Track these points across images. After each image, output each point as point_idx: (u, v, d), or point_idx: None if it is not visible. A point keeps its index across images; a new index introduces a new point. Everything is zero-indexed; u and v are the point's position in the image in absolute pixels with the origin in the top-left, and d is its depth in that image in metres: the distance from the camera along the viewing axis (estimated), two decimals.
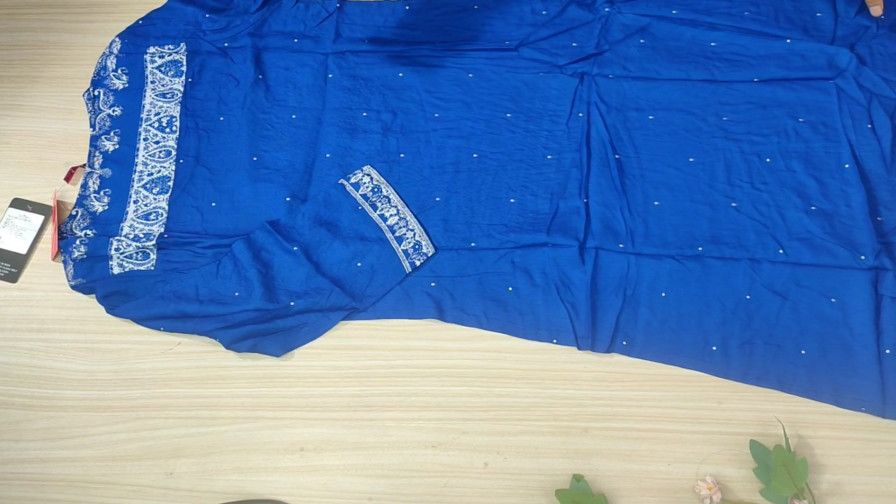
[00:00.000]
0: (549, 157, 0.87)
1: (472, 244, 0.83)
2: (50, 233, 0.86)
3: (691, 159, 0.85)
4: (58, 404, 0.78)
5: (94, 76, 0.93)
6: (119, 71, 0.93)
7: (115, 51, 0.94)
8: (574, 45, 0.92)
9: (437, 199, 0.86)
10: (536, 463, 0.74)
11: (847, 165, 0.83)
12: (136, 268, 0.82)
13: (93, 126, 0.91)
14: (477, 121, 0.89)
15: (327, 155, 0.88)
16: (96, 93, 0.92)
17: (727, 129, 0.87)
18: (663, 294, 0.79)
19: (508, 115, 0.90)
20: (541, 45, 0.92)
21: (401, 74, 0.92)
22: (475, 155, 0.88)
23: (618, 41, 0.92)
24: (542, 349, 0.78)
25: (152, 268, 0.82)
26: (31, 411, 0.78)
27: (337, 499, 0.74)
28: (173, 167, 0.88)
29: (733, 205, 0.83)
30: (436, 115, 0.90)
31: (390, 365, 0.79)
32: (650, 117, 0.88)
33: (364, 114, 0.90)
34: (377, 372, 0.78)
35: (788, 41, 0.89)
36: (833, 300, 0.77)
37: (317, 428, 0.76)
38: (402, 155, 0.88)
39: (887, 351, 0.75)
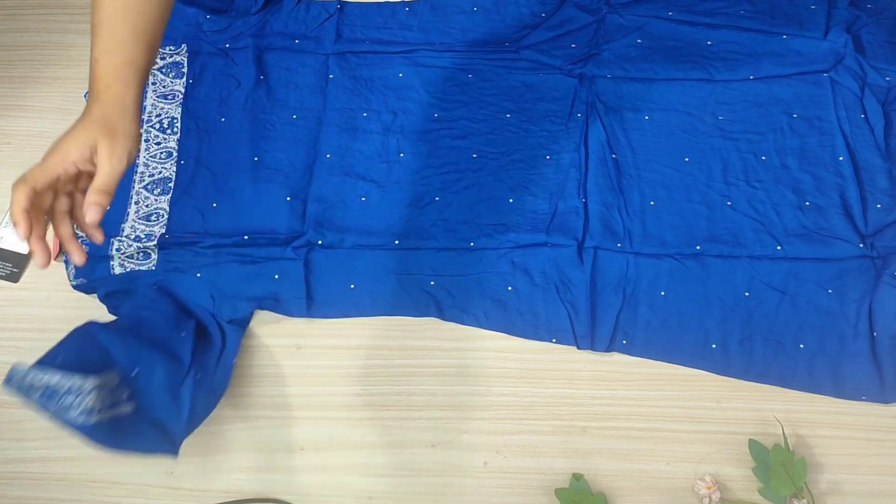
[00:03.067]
0: (548, 157, 0.87)
1: (472, 244, 0.83)
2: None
3: (687, 159, 0.86)
4: None
5: None
6: None
7: None
8: (573, 45, 0.93)
9: (437, 198, 0.86)
10: (536, 462, 0.74)
11: (841, 158, 0.84)
12: (137, 268, 0.82)
13: None
14: (477, 121, 0.90)
15: (328, 155, 0.88)
16: None
17: (724, 129, 0.87)
18: (663, 293, 0.79)
19: (508, 115, 0.90)
20: (540, 46, 0.93)
21: (401, 75, 0.92)
22: (475, 155, 0.88)
23: (616, 42, 0.92)
24: (542, 349, 0.79)
25: (154, 268, 0.82)
26: (31, 411, 0.78)
27: (337, 498, 0.74)
28: (174, 168, 0.88)
29: (729, 203, 0.83)
30: (435, 115, 0.90)
31: (390, 365, 0.79)
32: (646, 118, 0.88)
33: (364, 114, 0.91)
34: (377, 372, 0.79)
35: (784, 37, 0.90)
36: (830, 291, 0.78)
37: (317, 428, 0.77)
38: (402, 155, 0.88)
39: (875, 334, 0.76)
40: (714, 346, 0.77)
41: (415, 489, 0.74)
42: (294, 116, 0.91)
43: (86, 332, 0.68)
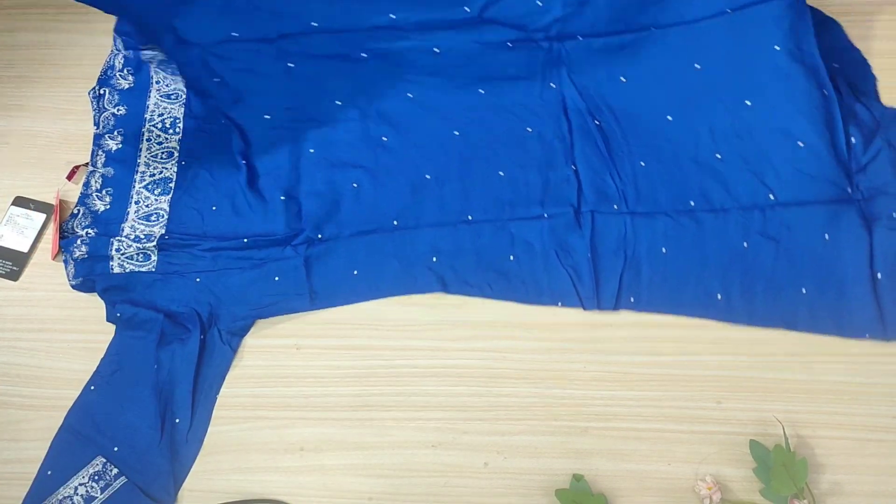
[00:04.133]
0: (528, 129, 0.86)
1: (469, 217, 0.82)
2: (52, 232, 0.86)
3: (670, 117, 0.84)
4: (58, 404, 0.78)
5: (102, 74, 0.93)
6: (125, 71, 0.93)
7: (122, 48, 0.94)
8: (539, 4, 0.85)
9: (428, 177, 0.85)
10: (536, 463, 0.74)
11: (826, 92, 0.80)
12: (136, 269, 0.82)
13: (97, 124, 0.91)
14: (451, 98, 0.87)
15: (311, 150, 0.87)
16: (101, 91, 0.92)
17: (704, 77, 0.82)
18: (663, 250, 0.79)
19: (481, 91, 0.88)
20: (505, 14, 0.85)
21: (364, 55, 0.88)
22: (456, 132, 0.86)
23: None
24: (542, 349, 0.78)
25: (153, 269, 0.82)
26: (31, 411, 0.78)
27: (337, 499, 0.74)
28: (175, 168, 0.88)
29: (718, 156, 0.82)
30: (409, 94, 0.88)
31: (390, 365, 0.79)
32: (623, 79, 0.86)
33: (338, 102, 0.88)
34: (377, 372, 0.78)
35: None
36: (826, 236, 0.78)
37: (317, 428, 0.76)
38: (384, 139, 0.87)
39: (879, 275, 0.76)
40: (719, 296, 0.77)
41: (415, 489, 0.74)
42: (266, 116, 0.88)
43: (65, 429, 0.76)
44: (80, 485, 0.73)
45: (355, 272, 0.82)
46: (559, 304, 0.79)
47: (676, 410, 0.76)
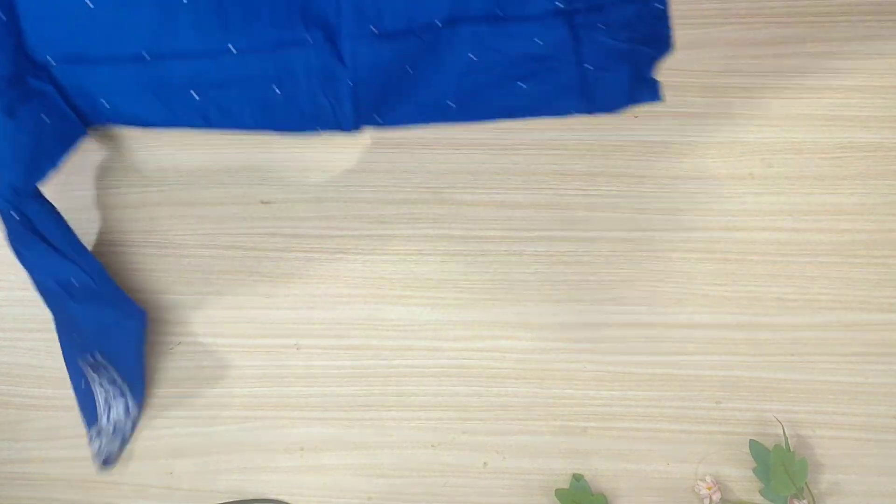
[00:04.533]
0: None
1: (231, 47, 0.75)
2: None
3: None
4: (58, 404, 0.78)
5: None
6: None
7: None
8: None
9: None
10: (536, 462, 0.74)
11: None
12: None
13: None
14: None
15: None
16: None
17: None
18: (409, 70, 0.81)
19: None
20: None
21: None
22: None
23: None
24: (542, 349, 0.79)
25: None
26: (31, 411, 0.78)
27: (337, 498, 0.74)
28: None
29: None
30: None
31: (390, 365, 0.79)
32: None
33: None
34: (376, 371, 0.79)
35: None
36: (539, 41, 0.82)
37: (316, 428, 0.77)
38: None
39: (588, 66, 0.82)
40: (451, 104, 0.82)
41: (415, 489, 0.74)
42: None
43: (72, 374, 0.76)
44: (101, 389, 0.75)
45: (106, 104, 0.74)
46: (317, 129, 0.81)
47: (676, 410, 0.76)
